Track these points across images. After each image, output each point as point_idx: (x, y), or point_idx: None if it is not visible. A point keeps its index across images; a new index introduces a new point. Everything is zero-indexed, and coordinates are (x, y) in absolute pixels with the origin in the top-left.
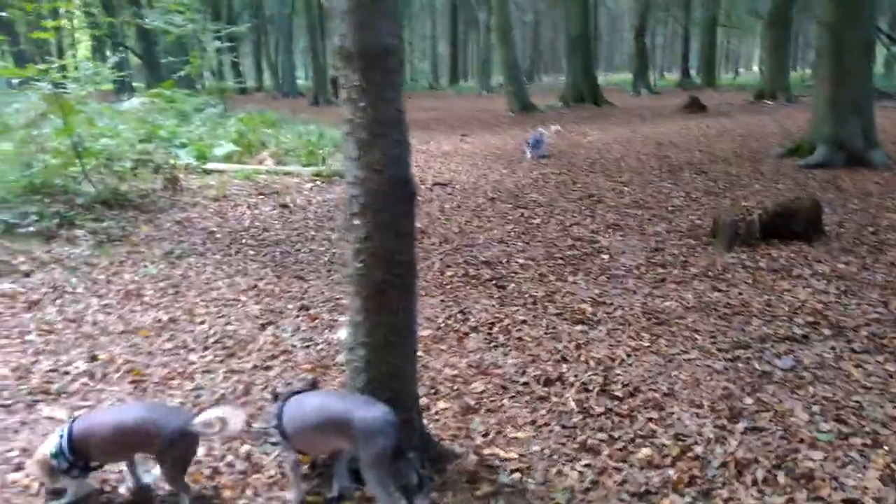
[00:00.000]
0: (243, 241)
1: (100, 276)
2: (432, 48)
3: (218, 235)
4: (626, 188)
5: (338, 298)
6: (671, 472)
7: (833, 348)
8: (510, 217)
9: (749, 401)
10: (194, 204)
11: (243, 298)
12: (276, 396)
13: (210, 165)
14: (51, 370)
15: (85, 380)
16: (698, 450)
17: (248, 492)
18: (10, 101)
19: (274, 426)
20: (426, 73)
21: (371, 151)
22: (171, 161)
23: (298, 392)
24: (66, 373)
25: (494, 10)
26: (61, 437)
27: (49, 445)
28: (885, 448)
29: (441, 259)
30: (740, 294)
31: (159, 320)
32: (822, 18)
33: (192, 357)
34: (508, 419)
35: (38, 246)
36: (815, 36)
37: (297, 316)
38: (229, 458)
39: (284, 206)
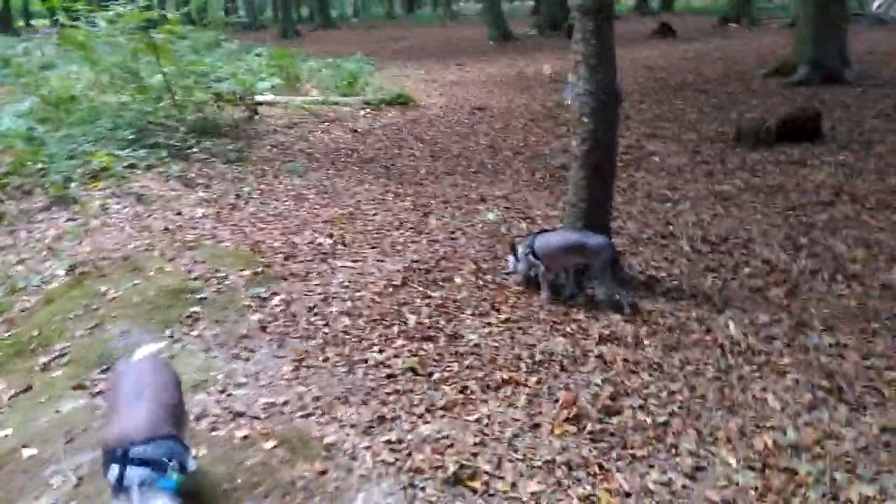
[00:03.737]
0: (341, 159)
1: (262, 186)
2: None
3: (317, 156)
4: (643, 106)
5: (466, 195)
6: (769, 278)
7: (854, 209)
8: (558, 133)
9: (804, 240)
10: (274, 131)
11: (389, 198)
12: (512, 245)
13: (259, 98)
14: (307, 243)
15: (340, 247)
16: (780, 266)
17: (510, 297)
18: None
19: (528, 253)
20: (380, 2)
21: (597, 73)
22: (247, 93)
23: (538, 233)
24: (320, 244)
25: None
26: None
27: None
28: None
29: (524, 165)
30: (774, 178)
31: (342, 213)
32: None
33: (395, 234)
34: (649, 258)
35: (185, 165)
36: None
37: (445, 207)
38: (487, 278)
39: (355, 131)
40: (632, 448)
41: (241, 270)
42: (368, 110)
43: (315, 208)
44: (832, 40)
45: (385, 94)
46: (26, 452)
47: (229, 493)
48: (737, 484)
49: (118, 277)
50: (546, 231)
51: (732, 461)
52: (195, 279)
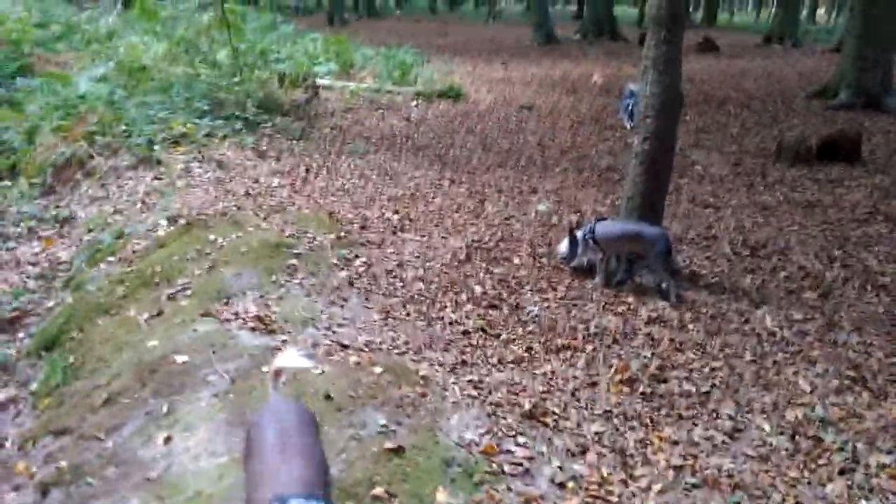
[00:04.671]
0: (397, 145)
1: (327, 163)
2: None
3: (374, 140)
4: (686, 118)
5: (517, 186)
6: (804, 282)
7: (888, 227)
8: (605, 136)
9: (838, 252)
10: (331, 113)
11: (445, 184)
12: (571, 229)
13: (318, 81)
14: (377, 217)
15: (406, 223)
16: (815, 273)
17: (565, 279)
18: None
19: (588, 237)
20: None
21: (665, 77)
22: (311, 75)
23: (597, 220)
24: (388, 219)
25: None
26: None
27: None
28: None
29: (572, 163)
30: (813, 194)
31: (403, 193)
32: None
33: (455, 216)
34: (692, 255)
35: (256, 138)
36: None
37: (498, 196)
38: (543, 260)
39: (408, 119)
40: (678, 409)
41: (326, 234)
42: (420, 100)
43: (378, 187)
44: (876, 66)
45: (436, 86)
46: (178, 359)
47: (354, 400)
48: (770, 445)
49: (221, 230)
50: (604, 219)
51: (767, 427)
52: (289, 237)
